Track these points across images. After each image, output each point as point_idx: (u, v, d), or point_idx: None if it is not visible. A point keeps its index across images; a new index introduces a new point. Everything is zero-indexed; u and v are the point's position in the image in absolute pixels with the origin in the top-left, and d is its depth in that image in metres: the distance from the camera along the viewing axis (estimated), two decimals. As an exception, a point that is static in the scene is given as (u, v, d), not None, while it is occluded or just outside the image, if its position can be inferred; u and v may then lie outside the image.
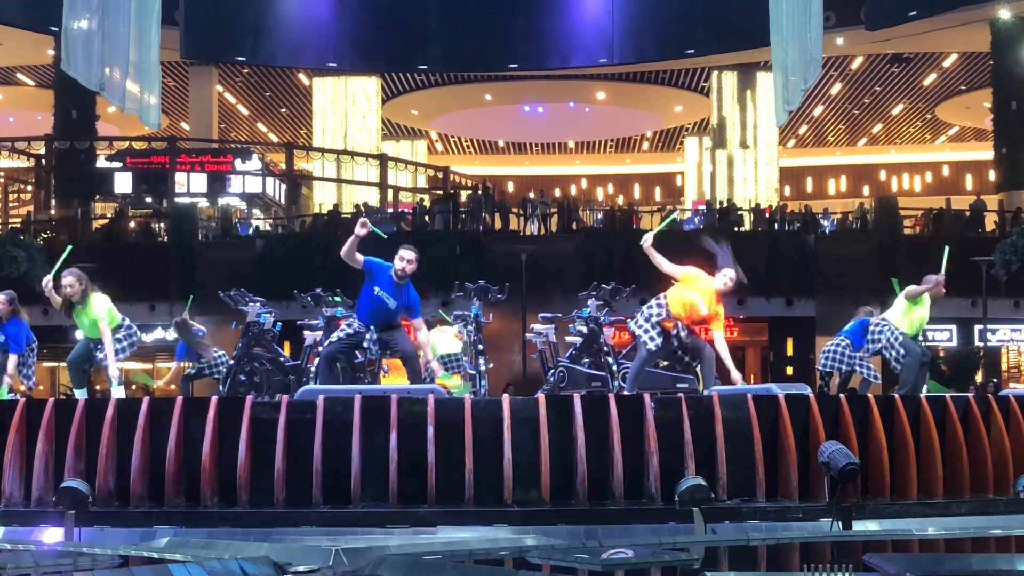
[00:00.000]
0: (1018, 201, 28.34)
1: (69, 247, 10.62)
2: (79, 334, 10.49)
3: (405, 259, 9.37)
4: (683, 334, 9.97)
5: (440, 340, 13.33)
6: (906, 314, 11.04)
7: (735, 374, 10.02)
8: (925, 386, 11.79)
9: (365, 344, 9.70)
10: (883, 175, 47.96)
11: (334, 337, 10.07)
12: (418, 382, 9.61)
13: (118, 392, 9.98)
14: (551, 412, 8.44)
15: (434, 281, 23.77)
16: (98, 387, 18.64)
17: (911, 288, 11.06)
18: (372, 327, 9.59)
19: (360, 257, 9.32)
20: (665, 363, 12.90)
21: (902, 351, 10.91)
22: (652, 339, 9.96)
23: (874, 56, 34.43)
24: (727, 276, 9.87)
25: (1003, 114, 29.70)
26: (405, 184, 36.42)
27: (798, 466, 8.50)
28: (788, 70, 13.45)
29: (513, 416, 8.35)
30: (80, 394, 10.31)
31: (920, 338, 11.46)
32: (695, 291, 9.84)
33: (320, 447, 8.20)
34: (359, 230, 9.14)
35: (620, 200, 45.86)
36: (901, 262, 24.78)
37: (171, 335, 25.42)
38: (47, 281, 10.11)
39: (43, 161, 32.50)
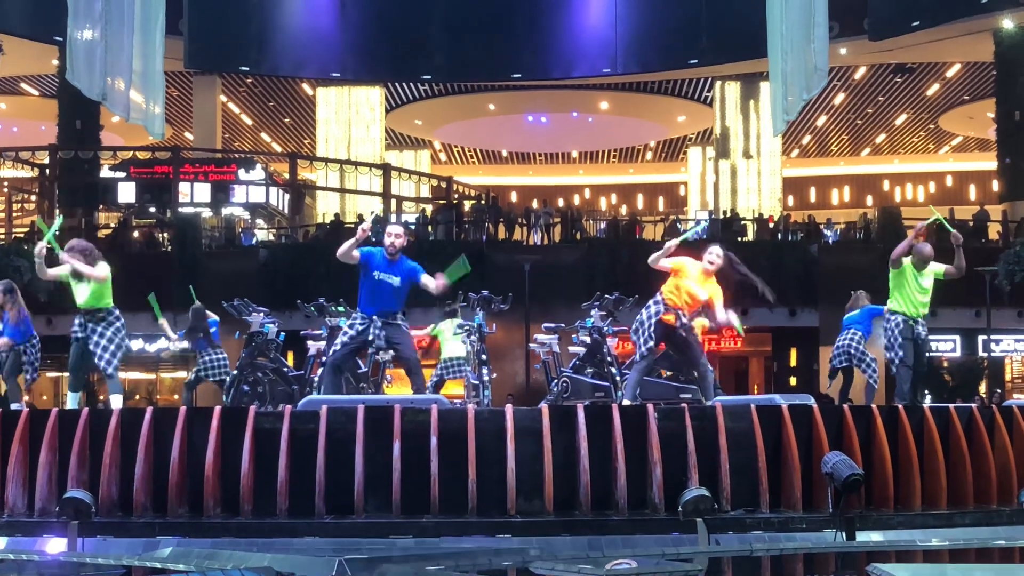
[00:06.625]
0: (1022, 211, 28.27)
1: (59, 217, 10.37)
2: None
3: (393, 234, 9.66)
4: (686, 321, 9.99)
5: (450, 342, 13.56)
6: (904, 289, 11.01)
7: (730, 317, 10.09)
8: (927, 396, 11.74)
9: (370, 337, 9.64)
10: (886, 185, 47.92)
11: (337, 344, 10.04)
12: (422, 392, 9.62)
13: (116, 401, 9.93)
14: (554, 422, 8.44)
15: (437, 291, 23.83)
16: (101, 397, 18.64)
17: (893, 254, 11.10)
18: (375, 316, 9.58)
19: (356, 253, 9.58)
20: (668, 373, 12.92)
21: (900, 353, 10.93)
22: (645, 342, 9.98)
23: (877, 66, 34.44)
24: (713, 253, 9.95)
25: (1006, 124, 29.65)
26: (408, 194, 36.41)
27: (802, 477, 8.49)
28: (787, 79, 13.39)
29: (516, 426, 8.35)
30: (72, 399, 10.22)
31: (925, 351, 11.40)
32: (687, 278, 9.92)
33: (323, 457, 8.20)
34: (361, 234, 9.47)
35: (623, 210, 45.81)
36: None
37: (175, 345, 25.59)
38: (40, 248, 9.77)
39: (47, 171, 32.47)
